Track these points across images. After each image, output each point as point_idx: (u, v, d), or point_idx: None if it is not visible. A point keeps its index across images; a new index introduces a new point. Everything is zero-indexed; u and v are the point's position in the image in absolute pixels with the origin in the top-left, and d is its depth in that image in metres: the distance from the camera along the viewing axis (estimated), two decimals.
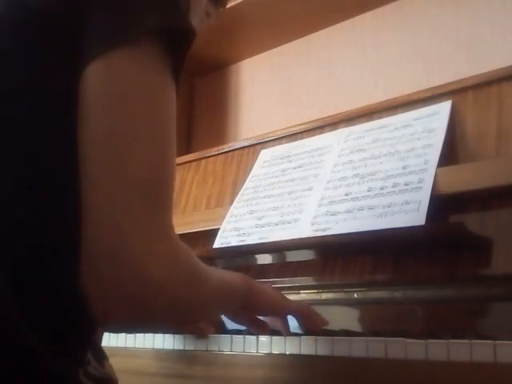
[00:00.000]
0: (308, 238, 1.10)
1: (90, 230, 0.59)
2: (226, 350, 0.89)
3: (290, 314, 0.90)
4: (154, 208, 0.61)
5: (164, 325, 0.73)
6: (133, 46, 0.60)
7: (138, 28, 0.60)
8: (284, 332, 0.89)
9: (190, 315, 0.71)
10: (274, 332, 0.89)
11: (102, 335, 0.76)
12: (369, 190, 1.07)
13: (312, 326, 0.88)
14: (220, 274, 0.77)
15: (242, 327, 0.95)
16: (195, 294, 0.67)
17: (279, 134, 1.39)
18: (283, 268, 1.15)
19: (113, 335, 1.05)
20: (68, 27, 0.63)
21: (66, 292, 0.62)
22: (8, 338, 0.58)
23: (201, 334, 0.94)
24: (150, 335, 1.00)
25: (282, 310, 0.89)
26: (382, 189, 1.05)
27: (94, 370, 0.67)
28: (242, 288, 0.81)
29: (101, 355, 0.72)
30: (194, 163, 1.55)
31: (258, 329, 0.90)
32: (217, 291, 0.74)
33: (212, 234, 1.27)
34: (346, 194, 1.10)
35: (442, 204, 0.98)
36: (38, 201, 0.62)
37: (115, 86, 0.60)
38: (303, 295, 1.09)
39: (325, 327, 0.90)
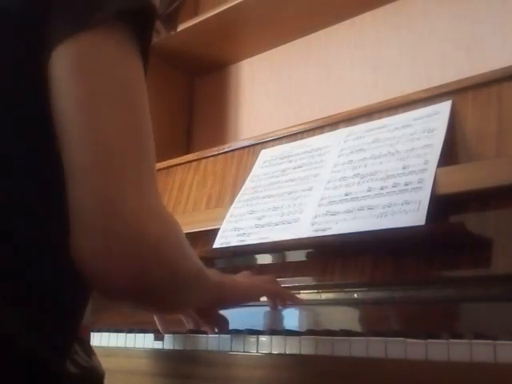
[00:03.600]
0: (308, 237, 1.10)
1: (80, 197, 0.60)
2: (226, 350, 0.89)
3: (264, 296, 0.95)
4: (143, 169, 0.62)
5: (162, 299, 0.68)
6: (96, 30, 0.62)
7: (99, 12, 0.62)
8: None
9: (185, 287, 0.70)
10: (274, 332, 0.89)
11: (90, 333, 0.77)
12: (369, 190, 1.07)
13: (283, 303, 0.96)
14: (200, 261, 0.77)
15: (242, 327, 0.95)
16: (188, 263, 0.68)
17: (279, 134, 1.39)
18: (283, 268, 1.15)
19: (113, 335, 1.05)
20: (31, 17, 0.64)
21: (53, 286, 0.63)
22: None
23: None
24: (149, 335, 1.00)
25: (255, 296, 0.94)
26: (382, 189, 1.05)
27: (81, 360, 0.68)
28: (213, 281, 0.80)
29: (89, 350, 0.73)
30: (194, 163, 1.55)
31: (216, 326, 0.94)
32: (199, 271, 0.73)
33: (212, 234, 1.27)
34: (346, 194, 1.10)
35: (442, 204, 0.97)
36: (24, 196, 0.64)
37: (81, 67, 0.62)
38: (303, 295, 1.09)
39: (325, 327, 0.90)
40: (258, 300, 0.95)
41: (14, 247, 0.62)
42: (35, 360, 0.61)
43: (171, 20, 0.93)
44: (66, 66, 0.62)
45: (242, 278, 0.96)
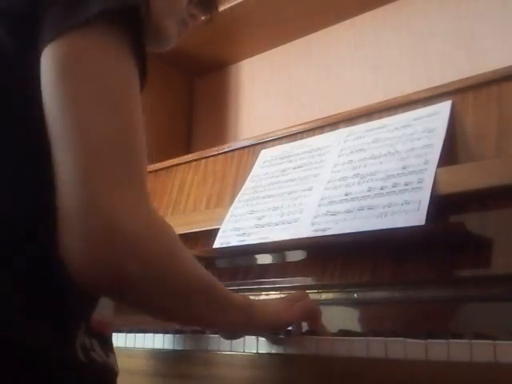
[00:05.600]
0: (308, 237, 1.10)
1: (63, 191, 0.60)
2: (226, 350, 0.89)
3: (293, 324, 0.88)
4: (129, 164, 0.62)
5: (148, 300, 0.67)
6: (82, 30, 0.62)
7: (84, 12, 0.62)
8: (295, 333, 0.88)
9: (169, 293, 0.67)
10: (273, 332, 0.89)
11: (112, 329, 0.76)
12: (369, 190, 1.07)
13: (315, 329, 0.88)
14: (217, 281, 0.74)
15: None
16: (175, 266, 0.66)
17: (279, 134, 1.39)
18: (283, 268, 1.15)
19: (113, 335, 1.04)
20: (21, 17, 0.65)
21: (54, 268, 0.63)
22: None
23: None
24: (150, 335, 1.00)
25: (285, 325, 0.86)
26: (382, 189, 1.05)
27: (97, 356, 0.68)
28: (239, 303, 0.77)
29: (108, 347, 0.73)
30: (193, 163, 1.55)
31: None
32: (206, 284, 0.71)
33: (212, 234, 1.27)
34: (346, 194, 1.10)
35: (442, 204, 0.97)
36: (23, 175, 0.65)
37: (66, 68, 0.62)
38: None
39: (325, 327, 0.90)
40: (291, 324, 0.87)
41: (16, 244, 0.63)
42: (42, 348, 0.62)
43: (208, 2, 0.91)
44: (52, 66, 0.62)
45: (275, 302, 0.90)
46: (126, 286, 0.62)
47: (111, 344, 0.74)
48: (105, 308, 0.72)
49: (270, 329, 0.85)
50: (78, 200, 0.59)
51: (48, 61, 0.63)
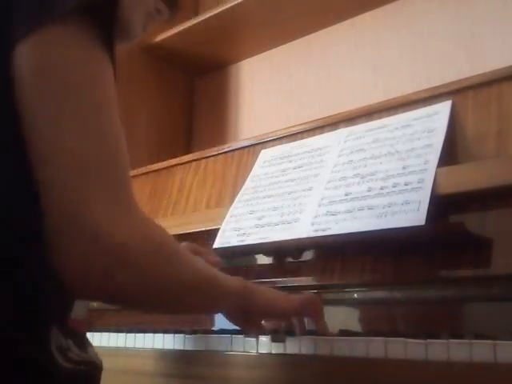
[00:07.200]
0: (308, 237, 1.10)
1: (49, 204, 0.61)
2: (227, 350, 0.89)
3: (293, 315, 0.88)
4: (110, 174, 0.63)
5: (138, 302, 0.70)
6: (55, 26, 0.62)
7: (60, 7, 0.62)
8: (298, 332, 0.87)
9: (159, 294, 0.69)
10: (273, 332, 0.89)
11: (87, 325, 0.77)
12: (369, 190, 1.07)
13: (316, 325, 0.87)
14: (211, 270, 0.76)
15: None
16: (164, 269, 0.67)
17: (279, 134, 1.39)
18: (283, 268, 1.15)
19: (113, 335, 1.05)
20: None
21: (26, 274, 0.63)
22: None
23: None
24: (149, 335, 1.00)
25: (283, 312, 0.86)
26: (381, 189, 1.05)
27: (75, 356, 0.68)
28: (235, 288, 0.79)
29: (84, 343, 0.73)
30: (193, 163, 1.55)
31: (252, 328, 0.88)
32: (198, 279, 0.73)
33: (212, 234, 1.27)
34: (346, 194, 1.10)
35: (442, 204, 0.97)
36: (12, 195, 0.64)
37: (47, 66, 0.62)
38: None
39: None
40: (291, 313, 0.87)
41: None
42: (21, 356, 0.61)
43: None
44: (26, 66, 0.62)
45: (277, 291, 0.90)
46: (116, 294, 0.64)
47: (87, 340, 0.75)
48: (79, 307, 0.72)
49: (267, 313, 0.85)
50: (60, 208, 0.60)
51: (21, 59, 0.62)
